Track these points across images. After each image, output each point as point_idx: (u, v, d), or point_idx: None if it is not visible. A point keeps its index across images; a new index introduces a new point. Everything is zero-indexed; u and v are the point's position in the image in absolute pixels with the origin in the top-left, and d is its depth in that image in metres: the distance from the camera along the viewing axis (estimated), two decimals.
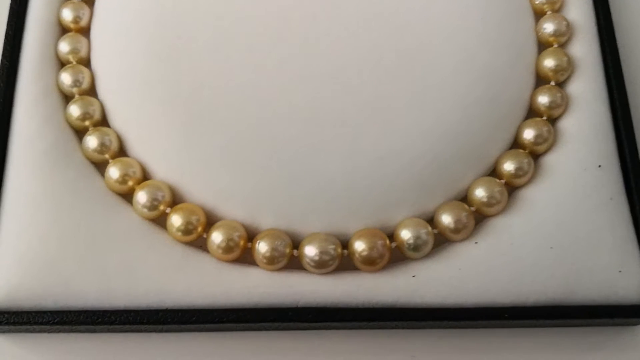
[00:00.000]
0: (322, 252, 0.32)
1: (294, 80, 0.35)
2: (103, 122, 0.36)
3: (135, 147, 0.35)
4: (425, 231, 0.33)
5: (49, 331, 0.33)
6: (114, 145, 0.35)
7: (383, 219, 0.34)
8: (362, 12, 0.36)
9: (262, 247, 0.32)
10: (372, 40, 0.36)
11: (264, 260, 0.32)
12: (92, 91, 0.37)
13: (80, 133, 0.36)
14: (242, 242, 0.33)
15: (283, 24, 0.36)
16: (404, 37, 0.36)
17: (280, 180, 0.33)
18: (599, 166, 0.35)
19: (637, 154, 0.35)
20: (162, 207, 0.33)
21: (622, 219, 0.34)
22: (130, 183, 0.34)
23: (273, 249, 0.32)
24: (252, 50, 0.35)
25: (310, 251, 0.32)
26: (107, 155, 0.35)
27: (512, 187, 0.35)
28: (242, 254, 0.33)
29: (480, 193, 0.34)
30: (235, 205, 0.33)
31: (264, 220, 0.33)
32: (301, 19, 0.36)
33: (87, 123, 0.35)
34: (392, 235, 0.33)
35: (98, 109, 0.36)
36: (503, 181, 0.35)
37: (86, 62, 0.37)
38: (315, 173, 0.33)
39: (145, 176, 0.34)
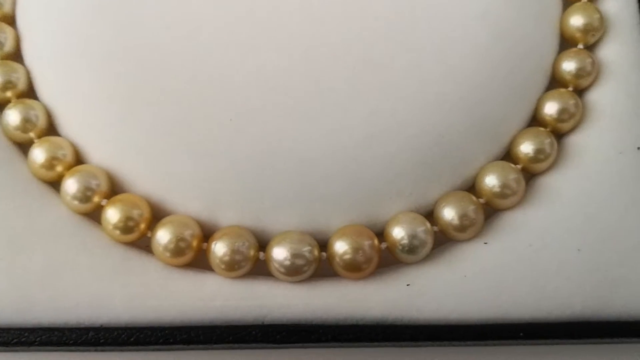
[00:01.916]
0: (294, 255, 0.26)
1: (261, 42, 0.28)
2: (29, 93, 0.29)
3: (67, 124, 0.28)
4: (422, 229, 0.27)
5: None
6: (41, 122, 0.28)
7: (372, 213, 0.27)
8: None
9: (220, 248, 0.26)
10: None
11: (222, 266, 0.26)
12: (17, 55, 0.30)
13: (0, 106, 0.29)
14: (195, 243, 0.26)
15: None
16: None
17: (244, 165, 0.27)
18: (638, 148, 0.28)
19: None
20: (96, 199, 0.27)
21: None
22: (59, 168, 0.27)
23: (233, 252, 0.26)
24: (212, 6, 0.29)
25: (279, 254, 0.26)
26: (32, 134, 0.28)
27: (530, 174, 0.29)
28: (195, 257, 0.27)
29: (491, 181, 0.28)
30: (189, 196, 0.27)
31: (224, 215, 0.27)
32: None
33: (8, 94, 0.29)
34: (382, 234, 0.27)
35: (23, 77, 0.29)
36: (519, 166, 0.28)
37: (10, 20, 0.30)
38: (289, 155, 0.27)
39: (77, 160, 0.28)
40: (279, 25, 0.28)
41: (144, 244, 0.27)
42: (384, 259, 0.27)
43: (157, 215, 0.27)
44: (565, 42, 0.31)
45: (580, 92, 0.30)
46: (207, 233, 0.27)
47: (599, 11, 0.30)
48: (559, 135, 0.29)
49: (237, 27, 0.28)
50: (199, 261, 0.27)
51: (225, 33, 0.28)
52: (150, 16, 0.28)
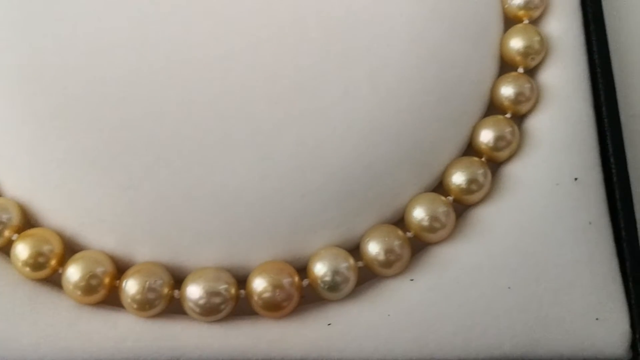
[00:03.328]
0: (210, 294, 0.25)
1: (183, 72, 0.27)
2: None
3: None
4: (345, 265, 0.26)
5: None
6: None
7: (296, 248, 0.26)
8: None
9: (132, 287, 0.25)
10: (290, 9, 0.28)
11: (134, 305, 0.25)
12: None
13: None
14: (107, 280, 0.25)
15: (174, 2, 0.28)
16: (333, 7, 0.28)
17: (161, 198, 0.26)
18: (576, 179, 0.27)
19: (625, 164, 0.27)
20: (7, 233, 0.26)
21: (603, 249, 0.26)
22: None
23: (146, 290, 0.25)
24: (131, 31, 0.27)
25: (194, 293, 0.25)
26: None
27: (463, 206, 0.27)
28: (108, 294, 0.26)
29: (420, 214, 0.26)
30: (103, 231, 0.26)
31: (140, 251, 0.26)
32: None
33: None
34: (306, 269, 0.26)
35: None
36: (451, 198, 0.27)
37: None
38: (209, 188, 0.26)
39: None
40: (202, 53, 0.27)
41: (56, 282, 0.26)
42: (308, 296, 0.26)
43: (71, 250, 0.26)
44: (505, 65, 0.30)
45: (519, 118, 0.29)
46: (123, 269, 0.26)
47: (539, 34, 0.29)
48: (495, 165, 0.28)
49: (159, 54, 0.27)
50: (115, 299, 0.26)
51: (145, 61, 0.27)
52: (66, 41, 0.27)
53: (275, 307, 0.25)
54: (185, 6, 0.28)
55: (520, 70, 0.29)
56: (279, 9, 0.27)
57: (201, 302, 0.25)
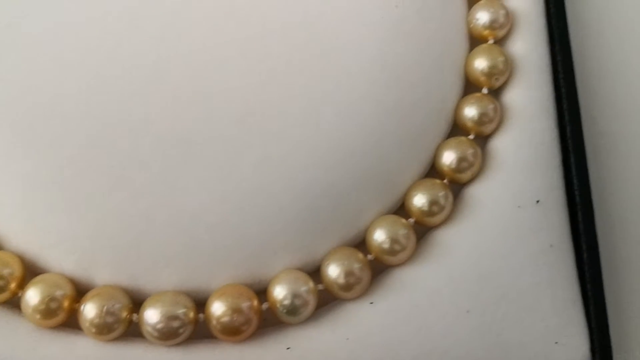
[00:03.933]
0: (168, 318, 0.25)
1: (142, 88, 0.27)
2: None
3: None
4: (305, 288, 0.25)
5: None
6: None
7: (257, 270, 0.26)
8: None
9: (90, 310, 0.25)
10: (253, 30, 0.28)
11: (93, 329, 0.25)
12: None
13: None
14: (67, 303, 0.25)
15: (135, 17, 0.28)
16: (297, 30, 0.28)
17: (121, 221, 0.26)
18: (537, 202, 0.27)
19: (589, 186, 0.27)
20: None
21: (564, 272, 0.26)
22: None
23: (104, 314, 0.25)
24: (91, 50, 0.27)
25: (152, 316, 0.25)
26: None
27: (425, 228, 0.27)
28: (68, 318, 0.25)
29: (380, 236, 0.26)
30: (63, 254, 0.26)
31: (100, 274, 0.26)
32: (158, 10, 0.28)
33: None
34: (266, 292, 0.26)
35: None
36: (412, 220, 0.27)
37: None
38: (168, 210, 0.26)
39: None
40: (163, 72, 0.27)
41: (16, 305, 0.26)
42: (268, 319, 0.26)
43: (32, 273, 0.26)
44: (470, 85, 0.30)
45: (483, 139, 0.29)
46: (83, 292, 0.26)
47: (503, 54, 0.29)
48: (459, 186, 0.28)
49: (118, 75, 0.27)
50: (76, 322, 0.26)
51: (103, 83, 0.27)
52: (27, 60, 0.27)
53: (234, 331, 0.25)
54: (148, 24, 0.28)
55: (485, 90, 0.29)
56: (242, 30, 0.27)
57: (159, 326, 0.25)
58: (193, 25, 0.27)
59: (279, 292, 0.26)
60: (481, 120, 0.28)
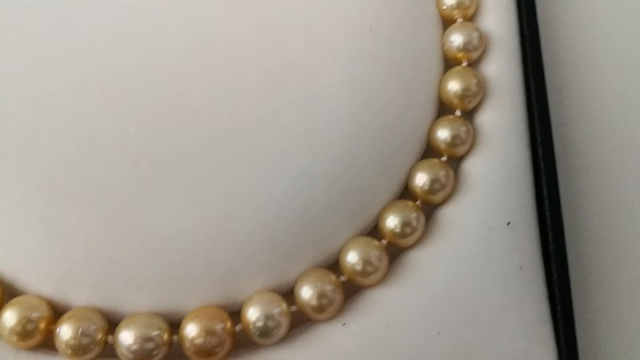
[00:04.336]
0: (142, 340, 0.25)
1: (114, 113, 0.27)
2: None
3: None
4: (278, 310, 0.26)
5: None
6: None
7: (230, 293, 0.26)
8: (212, 21, 0.29)
9: (65, 332, 0.25)
10: (225, 54, 0.28)
11: (69, 350, 0.25)
12: None
13: None
14: (43, 325, 0.26)
15: (107, 48, 0.28)
16: (269, 52, 0.29)
17: (96, 243, 0.26)
18: (508, 224, 0.27)
19: (559, 207, 0.27)
20: None
21: (534, 293, 0.26)
22: None
23: (80, 335, 0.25)
24: (62, 77, 0.28)
25: (127, 338, 0.25)
26: None
27: (397, 249, 0.28)
28: (45, 339, 0.26)
29: (353, 258, 0.27)
30: (40, 276, 0.26)
31: (76, 296, 0.26)
32: (133, 40, 0.28)
33: None
34: (239, 314, 0.26)
35: None
36: (385, 242, 0.27)
37: None
38: (141, 232, 0.26)
39: None
40: (136, 98, 0.27)
41: None
42: (241, 341, 0.26)
43: (10, 295, 0.27)
44: (444, 107, 0.30)
45: (456, 160, 0.29)
46: (60, 314, 0.26)
47: (477, 76, 0.29)
48: (431, 208, 0.28)
49: (90, 101, 0.27)
50: (51, 343, 0.26)
51: (76, 108, 0.27)
52: None
53: (207, 353, 0.26)
54: (119, 54, 0.28)
55: (458, 112, 0.29)
56: (214, 55, 0.28)
57: (134, 347, 0.25)
58: (166, 52, 0.28)
59: (252, 314, 0.26)
60: (454, 142, 0.28)
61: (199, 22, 0.28)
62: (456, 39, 0.30)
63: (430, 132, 0.29)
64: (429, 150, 0.29)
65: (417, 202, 0.28)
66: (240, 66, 0.28)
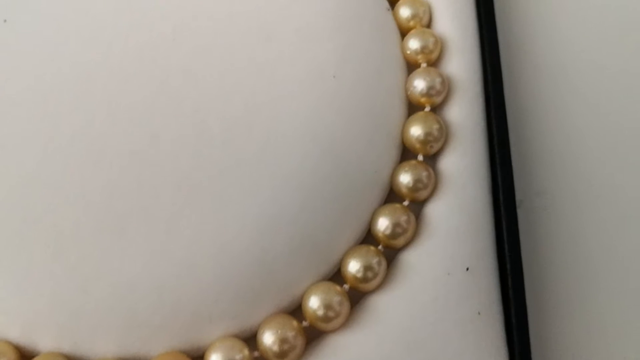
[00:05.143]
0: None
1: (81, 162, 0.28)
2: None
3: None
4: (240, 356, 0.26)
5: None
6: None
7: (194, 338, 0.27)
8: (177, 70, 0.29)
9: None
10: (190, 105, 0.29)
11: None
12: None
13: None
14: None
15: (73, 89, 0.29)
16: (233, 104, 0.29)
17: (61, 289, 0.27)
18: (467, 269, 0.28)
19: (519, 253, 0.28)
20: None
21: (492, 339, 0.27)
22: None
23: None
24: (26, 117, 0.28)
25: None
26: None
27: (359, 293, 0.28)
28: None
29: (314, 303, 0.27)
30: (8, 321, 0.27)
31: (43, 341, 0.27)
32: (95, 86, 0.29)
33: None
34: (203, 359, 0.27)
35: None
36: (347, 286, 0.28)
37: None
38: (108, 279, 0.27)
39: None
40: (100, 146, 0.28)
41: None
42: None
43: None
44: (408, 152, 0.30)
45: (419, 204, 0.29)
46: (28, 359, 0.27)
47: (439, 121, 0.30)
48: (393, 252, 0.29)
49: (54, 145, 0.28)
50: None
51: (41, 153, 0.28)
52: None
53: None
54: (86, 100, 0.29)
55: (420, 157, 0.30)
56: (178, 103, 0.28)
57: None
58: (130, 102, 0.28)
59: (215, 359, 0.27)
60: (415, 186, 0.29)
61: (164, 71, 0.29)
62: (419, 84, 0.30)
63: (393, 176, 0.29)
64: (392, 194, 0.30)
65: (379, 247, 0.28)
66: (204, 114, 0.29)
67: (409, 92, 0.31)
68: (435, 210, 0.29)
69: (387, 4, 0.33)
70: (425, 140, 0.29)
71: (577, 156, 0.31)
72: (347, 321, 0.27)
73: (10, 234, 0.27)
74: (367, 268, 0.28)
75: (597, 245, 0.31)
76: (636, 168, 0.32)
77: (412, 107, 0.31)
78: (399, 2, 0.33)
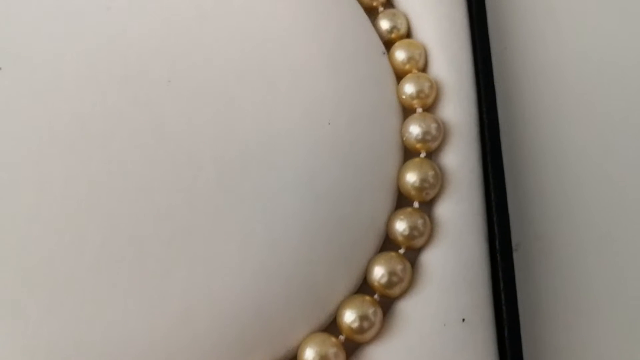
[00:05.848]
0: None
1: (71, 216, 0.27)
2: None
3: None
4: None
5: None
6: None
7: None
8: (171, 115, 0.29)
9: None
10: (184, 149, 0.28)
11: None
12: None
13: None
14: None
15: (66, 136, 0.28)
16: (229, 149, 0.29)
17: (51, 348, 0.26)
18: (463, 320, 0.27)
19: (516, 303, 0.27)
20: None
21: None
22: None
23: None
24: (18, 166, 0.28)
25: None
26: None
27: (355, 344, 0.28)
28: None
29: (310, 355, 0.27)
30: None
31: None
32: (90, 130, 0.29)
33: None
34: None
35: None
36: (342, 337, 0.27)
37: None
38: (95, 337, 0.26)
39: None
40: (92, 194, 0.28)
41: None
42: None
43: None
44: (403, 199, 0.30)
45: (414, 252, 0.29)
46: None
47: (434, 168, 0.29)
48: (389, 301, 0.29)
49: (46, 196, 0.27)
50: None
51: (34, 207, 0.27)
52: None
53: None
54: (81, 146, 0.28)
55: (416, 204, 0.29)
56: (173, 149, 0.28)
57: None
58: (126, 147, 0.28)
59: None
60: (411, 234, 0.29)
61: (158, 116, 0.29)
62: (414, 129, 0.30)
63: (389, 223, 0.29)
64: (388, 241, 0.29)
65: (375, 296, 0.28)
66: (199, 160, 0.28)
67: (404, 138, 0.30)
68: (432, 258, 0.28)
69: (382, 47, 0.33)
70: (421, 187, 0.29)
71: (576, 199, 0.31)
72: None
73: (4, 287, 0.27)
74: (362, 318, 0.27)
75: (595, 289, 0.30)
76: (637, 210, 0.31)
77: (408, 153, 0.31)
78: (395, 45, 0.32)
